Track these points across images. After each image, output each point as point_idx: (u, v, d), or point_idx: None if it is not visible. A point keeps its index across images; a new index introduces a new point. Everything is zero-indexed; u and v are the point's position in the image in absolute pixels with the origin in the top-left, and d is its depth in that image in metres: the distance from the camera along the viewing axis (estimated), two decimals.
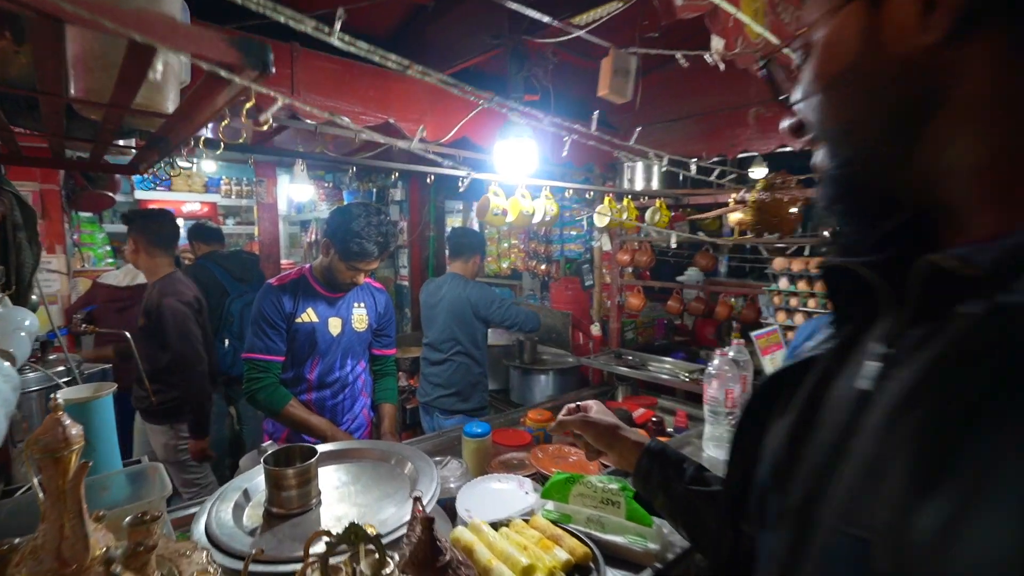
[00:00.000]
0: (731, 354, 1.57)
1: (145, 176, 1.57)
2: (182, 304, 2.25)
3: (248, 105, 0.71)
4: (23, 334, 0.98)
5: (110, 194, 3.98)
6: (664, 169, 2.40)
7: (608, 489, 1.10)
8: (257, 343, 1.79)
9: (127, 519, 0.84)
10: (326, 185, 6.26)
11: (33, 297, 1.56)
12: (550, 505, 1.14)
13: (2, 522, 0.98)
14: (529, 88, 1.60)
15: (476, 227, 6.19)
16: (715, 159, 2.57)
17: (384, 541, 0.98)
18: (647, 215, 2.23)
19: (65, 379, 1.64)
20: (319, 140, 2.76)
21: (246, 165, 5.70)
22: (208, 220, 5.32)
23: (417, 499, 0.96)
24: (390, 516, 1.06)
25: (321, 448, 1.37)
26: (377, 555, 0.67)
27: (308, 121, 1.74)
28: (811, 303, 1.82)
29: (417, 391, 3.00)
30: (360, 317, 2.01)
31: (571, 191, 1.92)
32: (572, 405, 1.11)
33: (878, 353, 0.43)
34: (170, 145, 0.98)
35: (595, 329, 3.11)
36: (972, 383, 0.32)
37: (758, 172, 3.86)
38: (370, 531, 0.93)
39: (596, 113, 1.32)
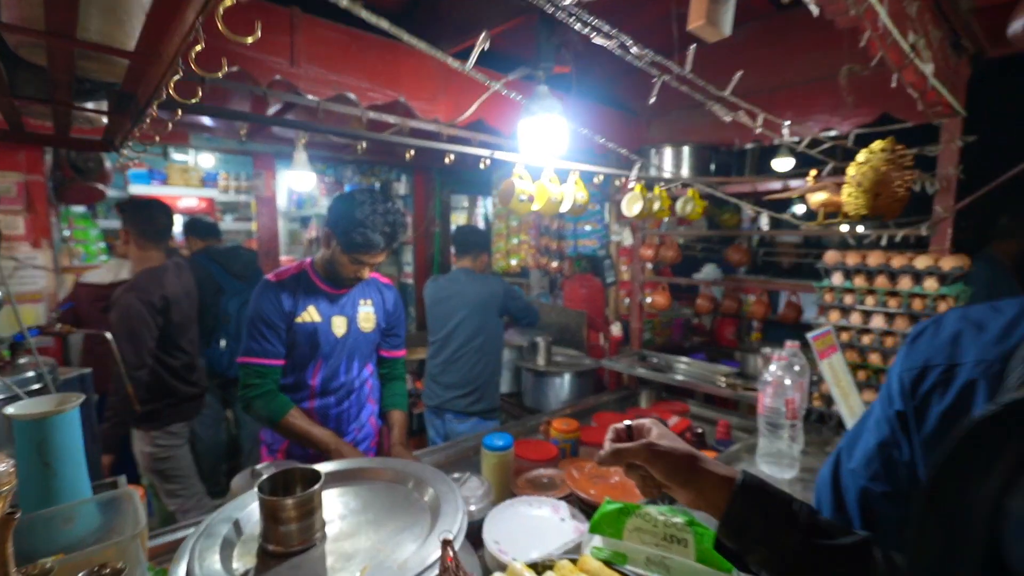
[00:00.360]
0: (789, 358, 1.39)
1: (122, 154, 1.36)
2: (140, 303, 2.08)
3: (196, 48, 0.52)
4: None
5: (100, 186, 3.81)
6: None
7: (672, 523, 0.91)
8: (253, 346, 1.60)
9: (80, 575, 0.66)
10: (327, 179, 6.07)
11: None
12: (599, 541, 0.96)
13: None
14: (559, 59, 1.42)
15: (482, 223, 6.01)
16: (751, 145, 2.38)
17: None
18: (678, 205, 2.05)
19: (36, 386, 1.46)
20: (322, 121, 2.58)
21: (245, 159, 5.50)
22: (205, 215, 5.13)
23: (447, 543, 0.78)
24: (410, 557, 0.88)
25: (326, 468, 1.19)
26: None
27: (310, 97, 1.55)
28: (869, 300, 1.63)
29: (423, 394, 2.83)
30: (367, 316, 1.82)
31: (600, 177, 1.73)
32: (620, 426, 0.87)
33: None
34: (139, 105, 0.79)
35: (615, 329, 2.92)
36: None
37: (782, 163, 3.68)
38: None
39: (692, 48, 1.13)
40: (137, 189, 5.81)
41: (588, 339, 3.50)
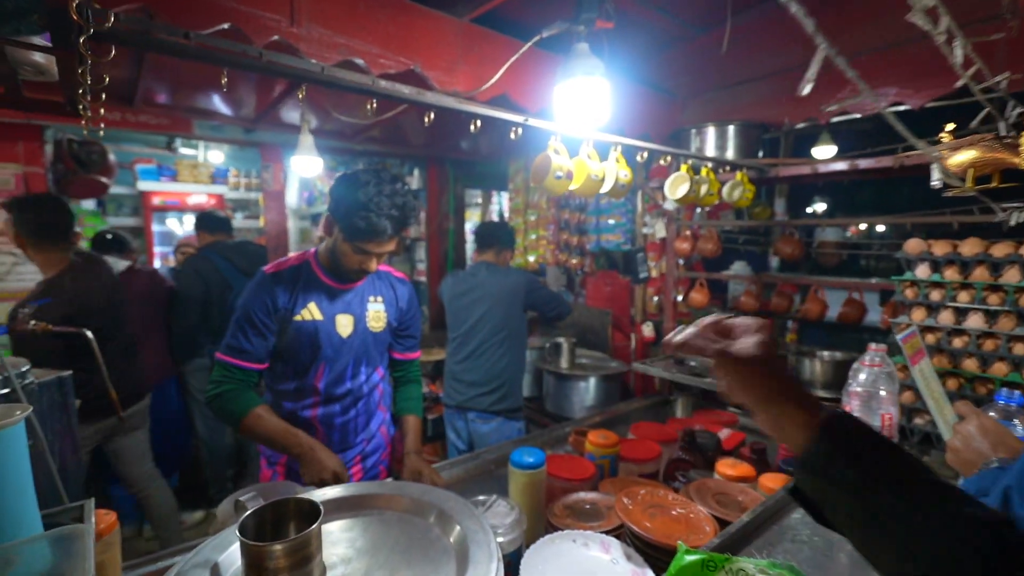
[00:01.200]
0: (882, 364, 1.16)
1: (89, 121, 1.16)
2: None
3: None
4: None
5: (104, 180, 3.66)
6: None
7: None
8: (232, 343, 1.42)
9: None
10: (335, 174, 5.92)
11: None
12: None
13: None
14: (602, 11, 1.20)
15: (496, 220, 5.81)
16: (803, 123, 2.15)
17: None
18: (725, 191, 1.82)
19: (3, 391, 1.27)
20: (329, 103, 2.40)
21: (254, 153, 5.36)
22: (216, 209, 4.98)
23: None
24: None
25: (328, 495, 0.99)
26: None
27: (312, 61, 1.35)
28: (963, 296, 1.40)
29: (443, 395, 2.64)
30: (377, 314, 1.61)
31: (644, 155, 1.51)
32: (709, 320, 0.69)
33: None
34: (82, 31, 0.59)
35: (647, 329, 2.70)
36: None
37: (824, 151, 3.42)
38: None
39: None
40: (146, 185, 5.72)
41: (613, 340, 3.28)
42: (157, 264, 5.74)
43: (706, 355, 0.65)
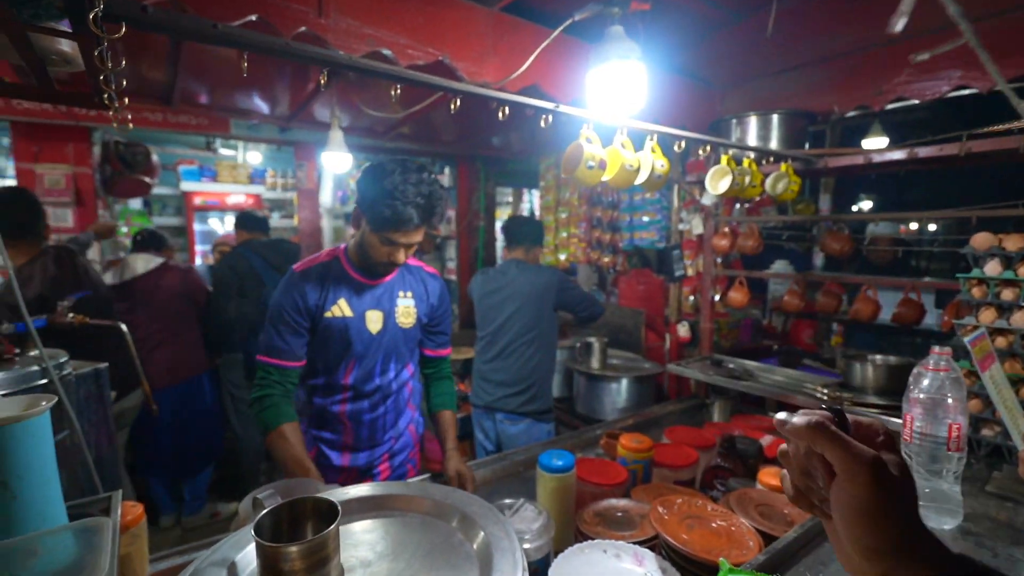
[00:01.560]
0: (947, 368, 1.05)
1: (116, 112, 1.17)
2: None
3: None
4: None
5: (147, 179, 3.80)
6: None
7: None
8: (268, 343, 1.42)
9: None
10: None
11: None
12: None
13: None
14: None
15: (531, 212, 5.75)
16: (853, 111, 2.01)
17: None
18: (769, 183, 1.72)
19: (41, 381, 1.30)
20: (359, 99, 2.40)
21: (290, 154, 5.48)
22: (255, 209, 5.10)
23: None
24: None
25: (350, 494, 0.96)
26: None
27: (340, 53, 1.33)
28: None
29: (471, 395, 2.61)
30: (407, 309, 1.59)
31: (681, 144, 1.43)
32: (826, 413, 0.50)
33: None
34: (94, 4, 0.57)
35: (683, 330, 2.60)
36: None
37: (874, 143, 3.23)
38: None
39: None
40: (188, 186, 5.91)
41: (646, 341, 3.18)
42: (198, 262, 5.93)
43: (833, 454, 0.46)
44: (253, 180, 6.26)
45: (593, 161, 1.20)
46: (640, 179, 1.31)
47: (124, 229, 5.09)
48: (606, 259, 3.64)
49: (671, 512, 1.01)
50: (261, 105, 2.81)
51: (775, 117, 1.90)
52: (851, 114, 2.18)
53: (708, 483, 1.40)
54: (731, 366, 2.22)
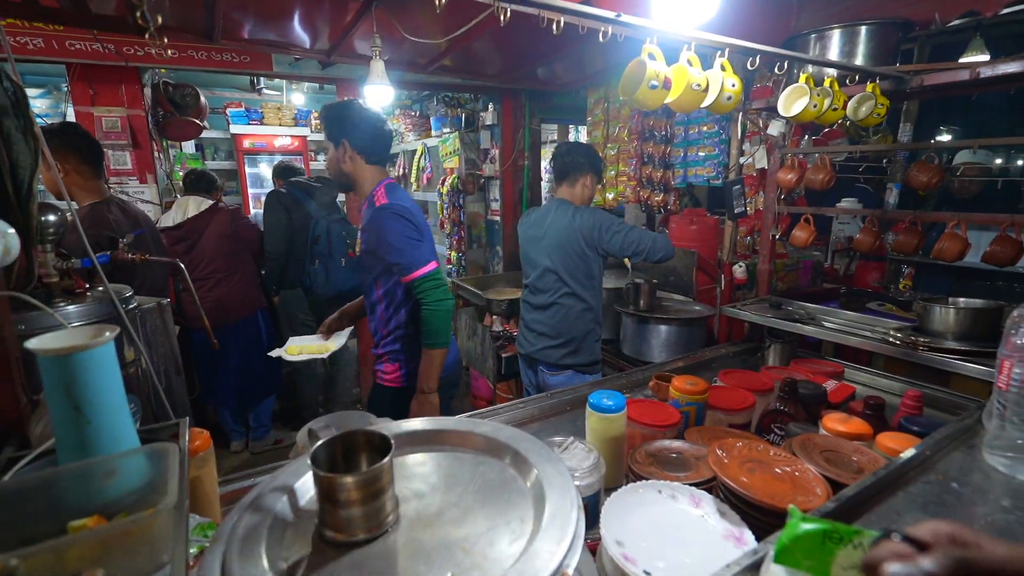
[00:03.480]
0: None
1: (156, 45, 1.13)
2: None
3: None
4: None
5: (197, 121, 3.85)
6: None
7: None
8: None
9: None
10: (413, 114, 5.87)
11: (52, 217, 1.27)
12: (785, 574, 0.64)
13: None
14: None
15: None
16: (957, 20, 1.74)
17: None
18: (851, 107, 1.52)
19: (107, 315, 1.36)
20: (400, 25, 2.27)
21: (333, 96, 5.42)
22: (292, 160, 5.13)
23: None
24: (508, 567, 0.62)
25: (401, 428, 0.96)
26: None
27: None
28: None
29: (516, 339, 2.57)
30: (357, 239, 2.00)
31: (756, 60, 1.27)
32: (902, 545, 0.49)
33: None
34: None
35: (739, 271, 2.47)
36: None
37: (976, 60, 2.84)
38: None
39: None
40: (237, 129, 5.99)
41: (697, 283, 3.05)
42: (251, 204, 6.09)
43: None
44: (298, 122, 6.27)
45: (656, 80, 1.08)
46: (708, 101, 1.18)
47: (181, 173, 5.25)
48: (657, 198, 3.46)
49: (731, 455, 0.97)
50: (302, 37, 2.73)
51: (863, 30, 1.65)
52: (952, 23, 1.89)
53: (766, 428, 1.34)
54: (790, 308, 2.10)
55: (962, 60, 2.80)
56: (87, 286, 1.43)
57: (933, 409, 1.48)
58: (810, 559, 0.63)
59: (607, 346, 2.89)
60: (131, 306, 1.44)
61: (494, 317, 3.29)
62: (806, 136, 2.45)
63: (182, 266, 1.53)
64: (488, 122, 4.45)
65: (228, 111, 5.97)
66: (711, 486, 0.97)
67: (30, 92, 3.41)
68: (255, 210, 6.04)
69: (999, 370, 0.97)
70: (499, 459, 0.88)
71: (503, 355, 3.08)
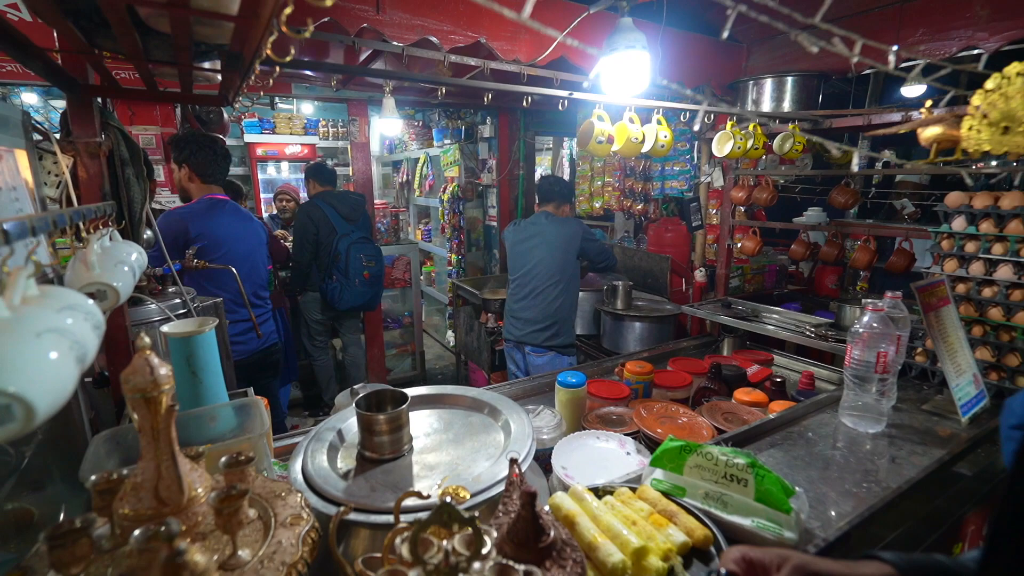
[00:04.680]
0: (886, 309, 1.29)
1: (237, 107, 1.51)
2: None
3: (287, 11, 0.58)
4: (126, 268, 0.98)
5: (220, 136, 4.22)
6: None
7: (734, 463, 0.93)
8: None
9: (223, 460, 0.83)
10: (416, 124, 6.23)
11: (148, 233, 1.64)
12: (660, 474, 1.01)
13: (126, 450, 1.03)
14: None
15: (555, 169, 5.90)
16: (869, 70, 2.11)
17: (477, 500, 0.91)
18: (776, 143, 1.89)
19: (181, 311, 1.73)
20: (407, 67, 2.64)
21: (341, 107, 5.78)
22: (325, 161, 5.49)
23: (514, 461, 0.87)
24: (483, 472, 0.98)
25: (413, 392, 1.33)
26: (473, 535, 0.57)
27: (395, 44, 1.60)
28: (997, 248, 1.44)
29: (504, 330, 2.99)
30: None
31: (684, 116, 1.63)
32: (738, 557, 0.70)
33: None
34: (244, 62, 0.89)
35: (699, 275, 2.83)
36: None
37: (913, 91, 3.20)
38: (462, 495, 0.85)
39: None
40: (251, 138, 6.36)
41: (671, 285, 3.42)
42: (263, 208, 6.47)
43: None
44: (307, 131, 6.64)
45: (603, 136, 1.45)
46: (645, 148, 1.54)
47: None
48: (638, 207, 3.83)
49: (650, 414, 1.34)
50: (320, 75, 3.10)
51: (788, 79, 2.02)
52: (867, 72, 2.25)
53: (698, 400, 1.71)
54: (740, 307, 2.46)
55: (903, 89, 3.16)
56: (159, 288, 1.81)
57: (833, 385, 1.84)
58: (672, 463, 1.00)
59: (589, 340, 3.26)
60: (196, 305, 1.81)
61: (489, 315, 3.66)
62: (765, 157, 2.80)
63: (234, 270, 1.90)
64: (486, 135, 4.82)
65: (243, 121, 6.33)
66: (636, 435, 1.34)
67: None
68: (266, 213, 6.41)
69: (847, 352, 1.33)
70: (480, 412, 1.25)
71: (496, 348, 3.45)
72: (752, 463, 0.93)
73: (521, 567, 0.56)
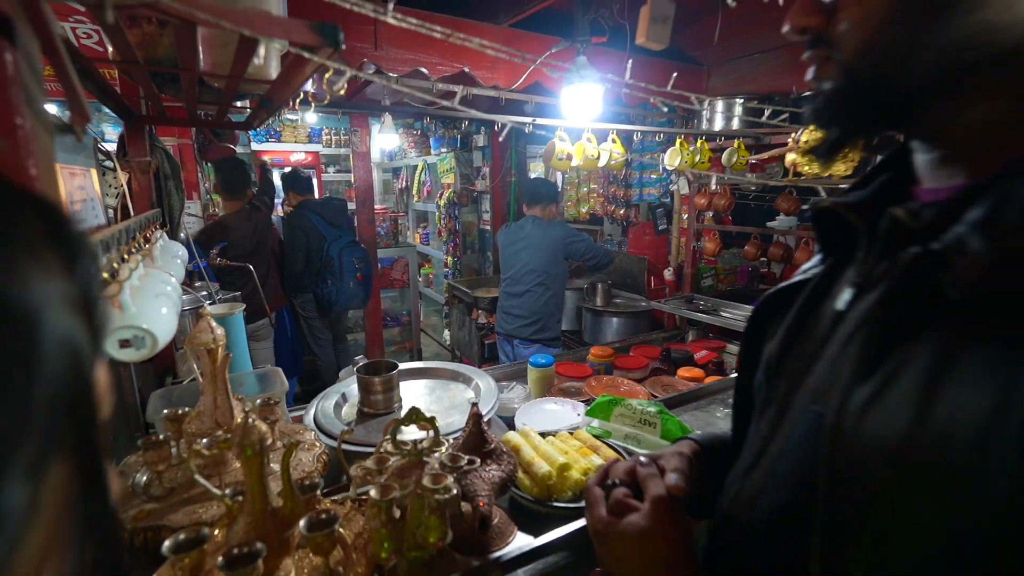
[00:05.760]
0: None
1: (258, 131, 1.82)
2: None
3: (328, 74, 0.86)
4: (179, 261, 1.27)
5: (231, 146, 4.53)
6: (744, 107, 2.29)
7: (646, 411, 1.21)
8: None
9: (257, 400, 1.11)
10: (415, 133, 6.53)
11: (181, 235, 1.93)
12: (595, 423, 1.29)
13: (175, 402, 1.31)
14: (596, 30, 1.62)
15: (548, 174, 6.19)
16: (807, 94, 2.39)
17: (450, 439, 1.19)
18: (724, 157, 2.17)
19: (208, 303, 2.02)
20: (403, 91, 2.93)
21: (343, 117, 6.09)
22: (302, 168, 5.76)
23: (475, 404, 1.15)
24: (455, 420, 1.27)
25: (404, 366, 1.62)
26: (433, 435, 0.86)
27: (391, 74, 1.89)
28: None
29: (496, 324, 3.26)
30: None
31: (639, 135, 1.92)
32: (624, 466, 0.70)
33: (853, 282, 0.51)
34: (274, 105, 1.18)
35: (667, 274, 3.11)
36: (902, 309, 0.43)
37: None
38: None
39: (628, 63, 1.32)
40: (257, 146, 6.67)
41: (648, 284, 3.70)
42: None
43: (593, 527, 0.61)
44: (311, 139, 6.95)
45: (563, 154, 1.74)
46: (601, 163, 1.83)
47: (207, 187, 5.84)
48: (620, 212, 4.11)
49: (599, 384, 1.62)
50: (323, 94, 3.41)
51: (737, 101, 2.31)
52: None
53: (649, 378, 1.99)
54: (702, 303, 2.74)
55: None
56: (188, 282, 2.10)
57: None
58: (602, 413, 1.28)
59: (573, 335, 3.55)
60: (219, 297, 2.11)
61: (480, 311, 3.95)
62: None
63: (251, 268, 2.18)
64: (480, 144, 5.11)
65: (250, 131, 6.64)
66: (587, 402, 1.62)
67: (107, 128, 4.07)
68: (273, 216, 6.72)
69: None
70: (456, 381, 1.53)
71: (486, 342, 3.74)
72: (660, 411, 1.21)
73: (466, 456, 0.84)
